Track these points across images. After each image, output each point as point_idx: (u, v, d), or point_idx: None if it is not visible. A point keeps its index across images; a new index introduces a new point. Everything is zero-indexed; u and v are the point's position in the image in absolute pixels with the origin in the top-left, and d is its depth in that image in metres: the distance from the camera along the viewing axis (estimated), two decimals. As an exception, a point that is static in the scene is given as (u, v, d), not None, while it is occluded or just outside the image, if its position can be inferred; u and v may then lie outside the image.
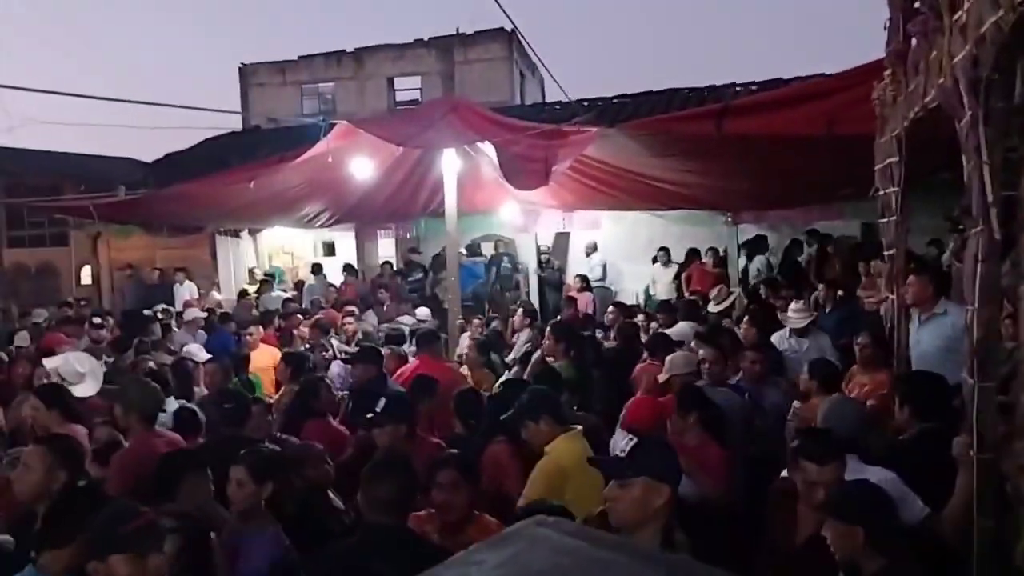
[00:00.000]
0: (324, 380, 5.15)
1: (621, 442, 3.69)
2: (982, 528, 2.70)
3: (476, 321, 8.65)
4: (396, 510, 2.63)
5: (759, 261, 10.76)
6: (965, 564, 2.68)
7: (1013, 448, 2.74)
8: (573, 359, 5.63)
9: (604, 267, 11.86)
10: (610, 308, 8.26)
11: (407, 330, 7.84)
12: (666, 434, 3.76)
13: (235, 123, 22.42)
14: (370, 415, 3.86)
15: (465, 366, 6.28)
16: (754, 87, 10.93)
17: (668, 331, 6.48)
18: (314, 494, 3.44)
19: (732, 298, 8.16)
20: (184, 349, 6.97)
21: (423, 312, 9.26)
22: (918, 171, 4.46)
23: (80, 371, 5.19)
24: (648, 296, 11.27)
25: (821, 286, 7.84)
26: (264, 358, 6.95)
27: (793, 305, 6.03)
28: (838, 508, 2.45)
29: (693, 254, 11.02)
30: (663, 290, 11.04)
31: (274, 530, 3.02)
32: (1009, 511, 2.70)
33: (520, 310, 8.35)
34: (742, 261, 11.00)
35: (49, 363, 5.40)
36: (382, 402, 3.87)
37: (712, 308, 7.97)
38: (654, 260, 11.43)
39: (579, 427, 3.67)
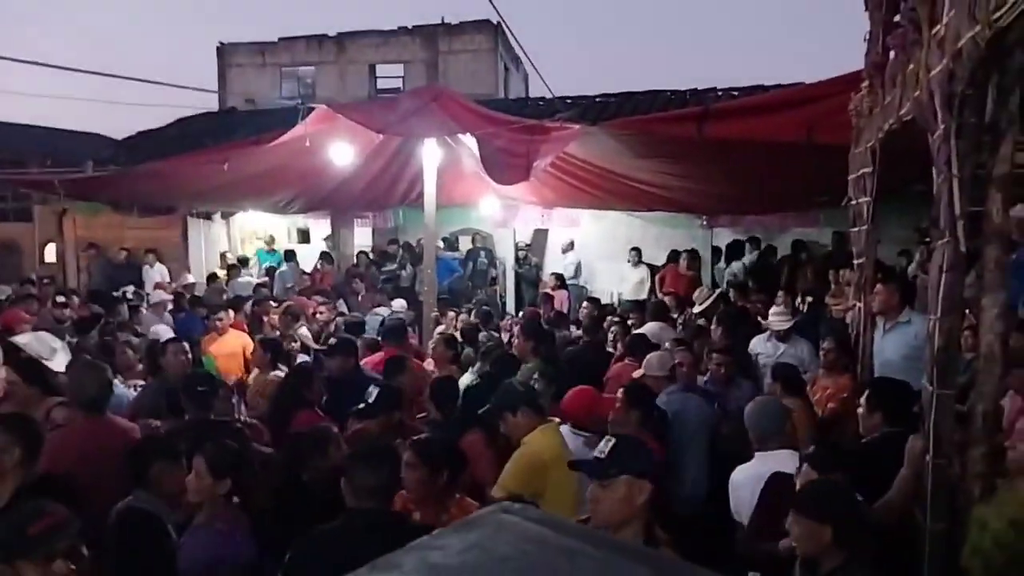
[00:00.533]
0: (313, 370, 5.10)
1: (575, 441, 3.70)
2: (933, 531, 2.76)
3: (451, 314, 8.62)
4: (381, 496, 2.67)
5: (735, 266, 10.87)
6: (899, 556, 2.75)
7: (969, 455, 2.81)
8: (542, 357, 5.65)
9: (578, 265, 11.89)
10: (584, 304, 8.29)
11: (376, 320, 7.81)
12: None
13: (211, 103, 22.06)
14: (362, 405, 3.93)
15: (431, 360, 6.19)
16: (735, 92, 11.01)
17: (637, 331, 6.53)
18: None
19: (713, 297, 8.22)
20: (151, 330, 6.86)
21: (399, 304, 9.20)
22: (890, 183, 4.54)
23: (53, 347, 5.10)
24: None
25: (780, 293, 7.95)
26: (233, 343, 6.87)
27: (774, 309, 6.16)
28: (808, 506, 2.49)
29: (675, 256, 11.05)
30: (631, 290, 11.04)
31: (224, 527, 2.90)
32: (959, 515, 2.77)
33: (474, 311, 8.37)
34: (720, 265, 11.11)
35: (18, 340, 5.28)
36: (375, 392, 3.89)
37: (696, 309, 8.02)
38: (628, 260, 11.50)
39: (556, 420, 3.70)
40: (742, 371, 5.27)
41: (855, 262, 4.80)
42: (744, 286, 9.13)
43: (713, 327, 6.27)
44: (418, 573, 0.67)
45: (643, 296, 10.72)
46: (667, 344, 5.64)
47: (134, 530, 2.52)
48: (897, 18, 3.48)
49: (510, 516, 0.78)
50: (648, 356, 4.95)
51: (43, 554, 2.09)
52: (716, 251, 11.31)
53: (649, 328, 6.56)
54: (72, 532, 2.18)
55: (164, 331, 6.74)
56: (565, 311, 9.48)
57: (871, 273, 4.58)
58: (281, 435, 4.07)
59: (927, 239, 8.08)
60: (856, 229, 4.65)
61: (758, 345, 5.91)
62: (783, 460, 3.24)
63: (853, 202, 4.61)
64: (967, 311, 3.15)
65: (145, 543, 2.49)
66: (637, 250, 11.21)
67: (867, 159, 4.23)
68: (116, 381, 4.88)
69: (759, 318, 6.72)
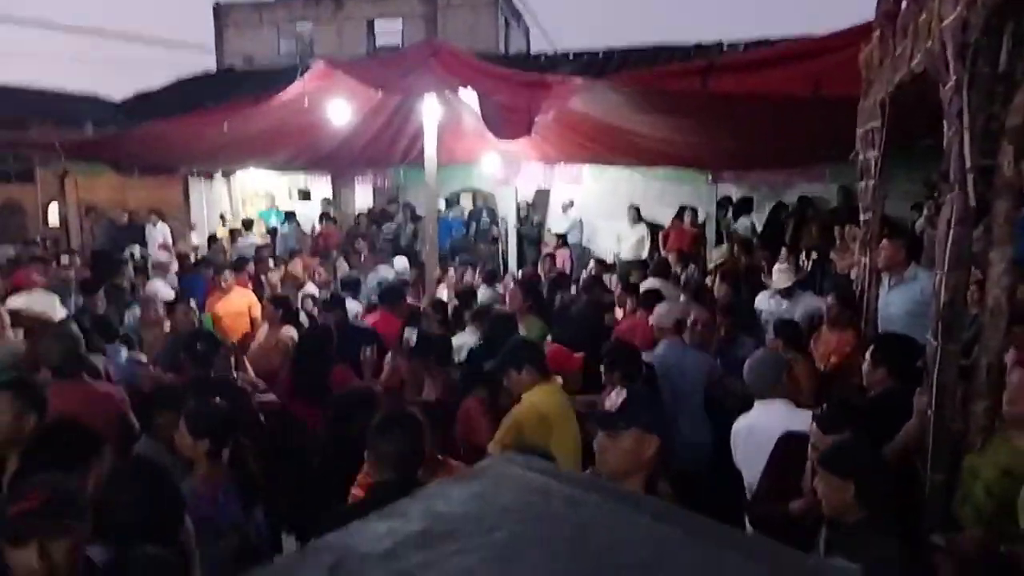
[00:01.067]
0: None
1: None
2: (933, 482, 2.79)
3: (451, 273, 8.60)
4: (404, 466, 2.57)
5: (743, 222, 10.76)
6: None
7: (972, 409, 2.82)
8: (537, 315, 5.68)
9: (580, 224, 11.81)
10: (591, 265, 8.22)
11: (376, 279, 7.81)
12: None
13: (209, 64, 21.76)
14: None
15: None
16: (741, 46, 10.82)
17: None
18: None
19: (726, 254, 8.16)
20: (149, 289, 6.87)
21: (401, 262, 9.17)
22: (899, 137, 4.47)
23: (53, 304, 5.18)
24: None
25: (783, 250, 7.93)
26: (239, 302, 6.89)
27: (777, 266, 6.12)
28: (833, 463, 2.52)
29: (682, 211, 10.92)
30: (629, 249, 10.90)
31: (204, 489, 2.88)
32: (959, 468, 2.80)
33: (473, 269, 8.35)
34: (728, 220, 10.97)
35: (15, 302, 5.30)
36: (414, 336, 4.03)
37: (711, 265, 8.00)
38: (629, 217, 11.28)
39: (559, 379, 3.70)
40: (746, 329, 5.27)
41: (861, 217, 4.76)
42: (749, 243, 9.08)
43: (716, 284, 6.26)
44: (423, 520, 0.67)
45: (643, 255, 10.65)
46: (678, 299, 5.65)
47: (135, 478, 2.50)
48: (909, -35, 3.38)
49: (513, 467, 0.78)
50: (657, 307, 4.95)
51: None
52: (721, 207, 11.18)
53: (648, 283, 6.56)
54: (60, 514, 1.99)
55: (163, 290, 6.75)
56: (568, 271, 9.45)
57: (877, 229, 4.54)
58: (315, 391, 4.11)
59: (936, 194, 8.01)
60: (863, 184, 4.60)
61: (762, 302, 5.90)
62: (781, 410, 3.32)
63: (860, 157, 4.55)
64: (973, 266, 3.13)
65: (148, 490, 2.48)
66: (636, 208, 11.06)
67: (876, 112, 4.16)
68: (121, 348, 4.96)
69: (762, 275, 6.71)
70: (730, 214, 11.03)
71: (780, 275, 5.91)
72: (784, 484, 2.93)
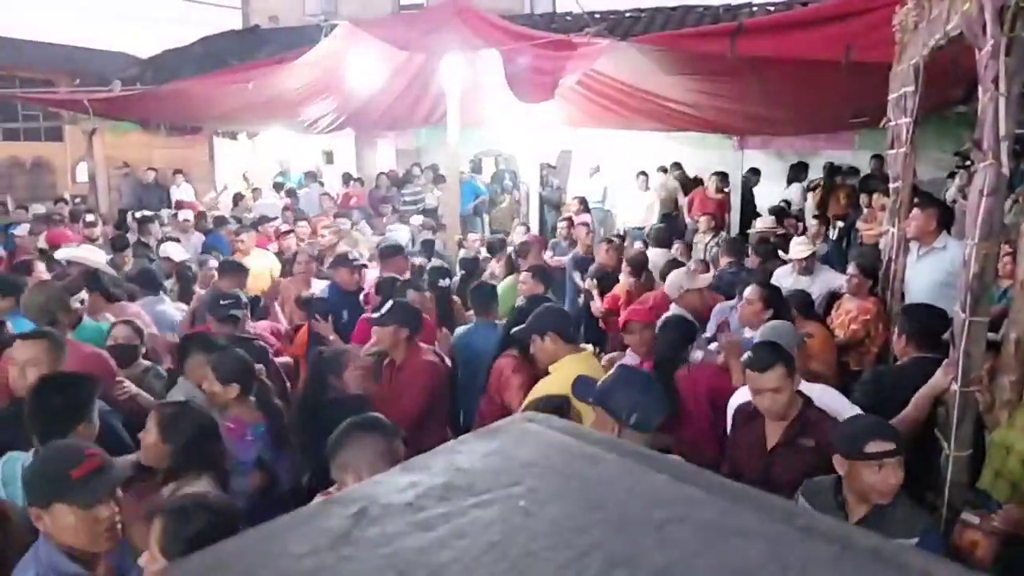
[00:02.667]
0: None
1: None
2: (957, 458, 2.78)
3: (472, 236, 8.60)
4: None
5: (794, 188, 10.57)
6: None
7: (998, 383, 2.80)
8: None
9: (605, 189, 11.71)
10: (603, 247, 7.73)
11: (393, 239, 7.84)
12: None
13: (235, 21, 21.65)
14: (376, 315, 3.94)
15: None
16: (771, 7, 10.55)
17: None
18: None
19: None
20: (162, 249, 6.98)
21: (403, 231, 9.12)
22: (933, 103, 4.37)
23: (99, 259, 5.52)
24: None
25: (809, 220, 7.80)
26: (259, 263, 6.94)
27: (795, 239, 5.91)
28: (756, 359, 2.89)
29: (698, 182, 10.74)
30: (638, 216, 10.63)
31: (234, 426, 3.05)
32: (982, 442, 2.78)
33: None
34: (778, 188, 10.74)
35: (64, 253, 5.76)
36: (388, 304, 3.93)
37: (754, 230, 7.73)
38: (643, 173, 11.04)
39: (588, 347, 3.68)
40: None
41: (891, 186, 4.67)
42: (781, 211, 8.85)
43: (722, 254, 6.08)
44: (445, 474, 0.69)
45: (652, 220, 10.45)
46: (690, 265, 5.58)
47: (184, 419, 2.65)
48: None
49: (534, 424, 0.80)
50: (670, 275, 4.87)
51: (86, 499, 1.98)
52: (755, 171, 10.93)
53: (654, 255, 6.40)
54: (114, 476, 2.10)
55: (175, 250, 6.87)
56: (589, 238, 9.33)
57: (907, 197, 4.46)
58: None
59: (968, 163, 7.84)
60: (894, 151, 4.50)
61: (782, 278, 5.54)
62: None
63: (892, 123, 4.45)
64: (1005, 238, 3.07)
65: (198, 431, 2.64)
66: (644, 174, 10.81)
67: (909, 77, 4.05)
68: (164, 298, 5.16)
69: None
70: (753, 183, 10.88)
71: (797, 247, 5.69)
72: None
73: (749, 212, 10.38)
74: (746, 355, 3.02)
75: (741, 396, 3.22)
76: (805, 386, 3.04)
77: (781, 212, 8.76)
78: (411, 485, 0.69)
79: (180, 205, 10.53)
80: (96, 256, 5.80)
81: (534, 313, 3.60)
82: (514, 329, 3.69)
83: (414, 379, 3.73)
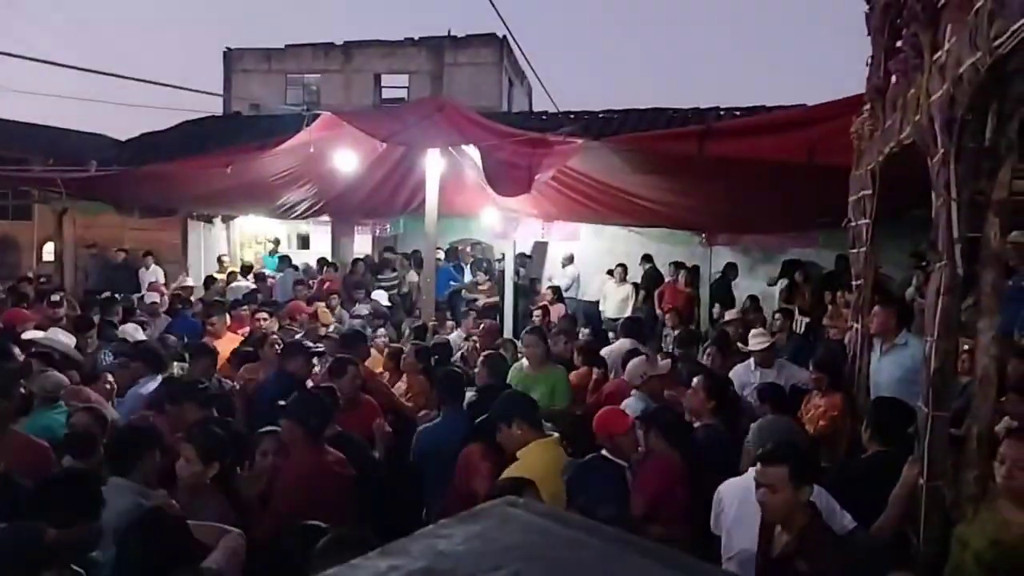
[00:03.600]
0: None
1: None
2: (926, 553, 2.78)
3: (449, 324, 8.63)
4: None
5: (782, 284, 10.78)
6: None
7: (962, 478, 2.83)
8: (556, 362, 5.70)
9: (577, 279, 11.90)
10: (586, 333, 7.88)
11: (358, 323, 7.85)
12: None
13: (216, 108, 22.14)
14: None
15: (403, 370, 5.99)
16: (737, 112, 11.11)
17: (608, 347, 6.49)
18: None
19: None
20: (120, 330, 6.92)
21: (379, 295, 9.24)
22: (890, 206, 4.58)
23: (67, 341, 5.39)
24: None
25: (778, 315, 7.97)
26: (230, 346, 6.86)
27: (753, 331, 5.93)
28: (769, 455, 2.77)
29: (678, 271, 10.96)
30: (614, 307, 10.87)
31: (217, 506, 3.03)
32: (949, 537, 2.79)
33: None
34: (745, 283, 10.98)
35: (33, 335, 5.75)
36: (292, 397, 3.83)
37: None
38: (609, 273, 11.29)
39: (555, 435, 3.67)
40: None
41: (854, 283, 4.83)
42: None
43: (709, 353, 6.16)
44: (426, 559, 0.69)
45: (627, 312, 10.65)
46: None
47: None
48: (899, 43, 3.53)
49: (515, 509, 0.80)
50: (630, 363, 4.91)
51: None
52: (732, 266, 11.15)
53: (620, 345, 6.46)
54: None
55: (132, 332, 6.81)
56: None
57: (870, 295, 4.61)
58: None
59: (924, 263, 8.13)
60: (855, 251, 4.68)
61: (742, 374, 5.51)
62: None
63: (853, 224, 4.65)
64: (963, 335, 3.18)
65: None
66: (623, 266, 11.10)
67: (867, 181, 4.27)
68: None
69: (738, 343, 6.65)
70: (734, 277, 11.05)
71: (755, 339, 5.67)
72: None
73: (728, 305, 10.51)
74: (759, 447, 3.02)
75: (727, 486, 3.23)
76: None
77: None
78: (391, 569, 0.69)
79: (154, 288, 10.42)
80: (63, 339, 5.68)
81: (498, 401, 3.65)
82: (478, 419, 3.68)
83: (289, 482, 3.46)
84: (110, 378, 4.95)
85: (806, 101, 7.77)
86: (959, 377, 3.38)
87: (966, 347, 3.38)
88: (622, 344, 6.44)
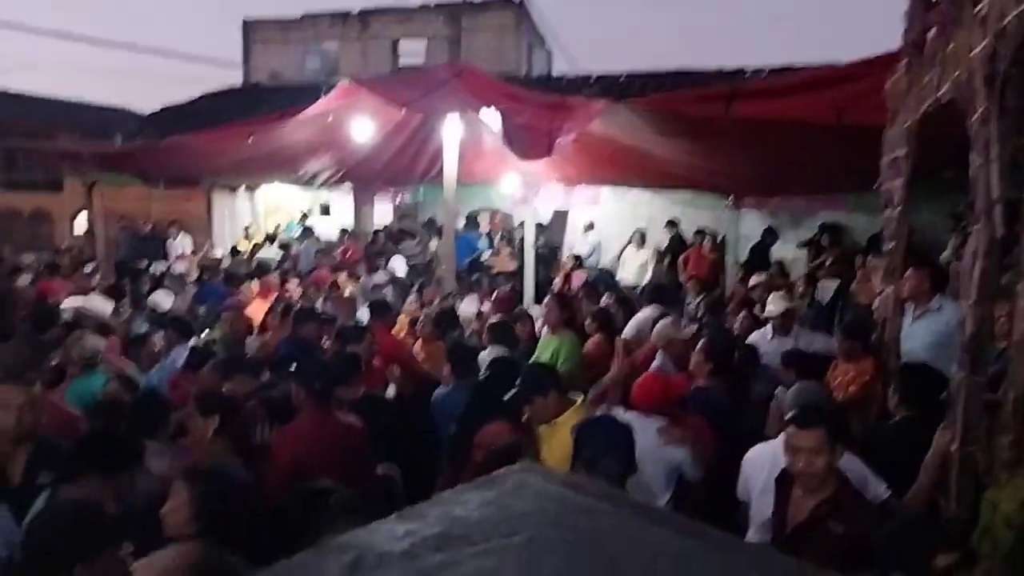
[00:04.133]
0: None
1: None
2: (956, 520, 2.72)
3: (472, 294, 8.60)
4: None
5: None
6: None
7: (996, 443, 2.76)
8: (571, 329, 5.66)
9: (598, 246, 11.80)
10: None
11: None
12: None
13: (236, 79, 22.13)
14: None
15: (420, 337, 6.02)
16: (764, 73, 10.84)
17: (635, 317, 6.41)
18: None
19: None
20: (150, 300, 7.04)
21: (398, 263, 9.22)
22: (926, 166, 4.44)
23: (104, 308, 5.54)
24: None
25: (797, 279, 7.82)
26: (259, 313, 6.93)
27: (772, 295, 5.68)
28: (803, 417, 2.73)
29: (702, 236, 10.72)
30: (632, 273, 10.76)
31: (227, 462, 3.16)
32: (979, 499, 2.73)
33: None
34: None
35: (72, 302, 5.97)
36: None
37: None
38: (629, 241, 11.20)
39: (580, 398, 3.69)
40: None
41: (885, 247, 4.71)
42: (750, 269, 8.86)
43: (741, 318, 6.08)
44: (442, 524, 0.67)
45: (646, 279, 10.54)
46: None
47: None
48: (937, -5, 3.38)
49: (530, 475, 0.77)
50: (658, 324, 4.92)
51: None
52: (771, 231, 10.76)
53: (646, 312, 6.39)
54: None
55: (164, 301, 6.90)
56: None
57: (901, 259, 4.49)
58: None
59: (962, 225, 7.93)
60: (887, 213, 4.56)
61: (758, 340, 5.31)
62: None
63: (885, 185, 4.52)
64: (1001, 298, 3.08)
65: None
66: (642, 231, 10.94)
67: (902, 141, 4.14)
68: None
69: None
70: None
71: (773, 303, 5.40)
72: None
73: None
74: (793, 411, 2.94)
75: (756, 452, 3.19)
76: None
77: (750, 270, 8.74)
78: (407, 534, 0.67)
79: (181, 258, 10.58)
80: (102, 306, 5.83)
81: (528, 374, 3.65)
82: (509, 396, 3.60)
83: (291, 440, 3.55)
84: (158, 341, 5.09)
85: (838, 59, 7.55)
86: (995, 342, 3.29)
87: (1004, 312, 3.28)
88: (649, 312, 6.38)
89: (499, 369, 3.91)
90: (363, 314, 6.49)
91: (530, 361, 4.86)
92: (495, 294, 7.37)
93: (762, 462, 3.11)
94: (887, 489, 2.96)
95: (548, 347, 5.34)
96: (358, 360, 4.47)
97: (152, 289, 7.96)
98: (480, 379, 4.20)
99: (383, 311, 5.98)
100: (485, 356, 4.82)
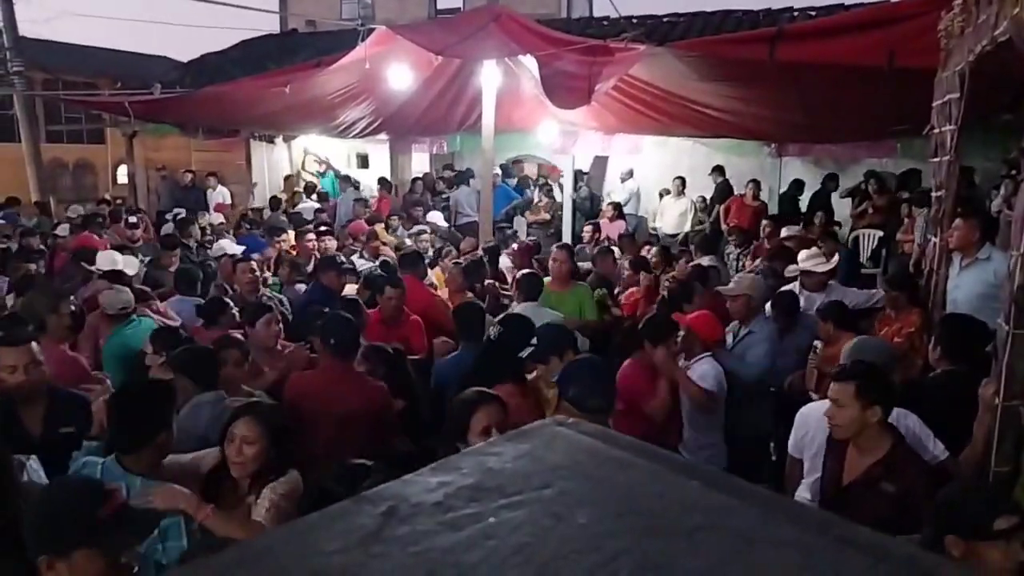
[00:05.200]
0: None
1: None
2: (997, 474, 2.70)
3: (515, 246, 8.57)
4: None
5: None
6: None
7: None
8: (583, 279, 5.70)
9: (637, 194, 11.65)
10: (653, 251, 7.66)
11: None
12: None
13: (272, 25, 22.03)
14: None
15: (446, 288, 5.97)
16: (812, 12, 10.40)
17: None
18: None
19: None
20: (216, 246, 7.16)
21: (435, 217, 9.24)
22: (979, 110, 4.26)
23: (115, 260, 5.78)
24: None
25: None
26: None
27: (804, 252, 5.41)
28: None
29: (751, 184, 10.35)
30: (672, 223, 10.64)
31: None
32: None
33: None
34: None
35: (105, 262, 6.01)
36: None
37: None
38: (666, 191, 11.00)
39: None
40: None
41: (934, 195, 4.57)
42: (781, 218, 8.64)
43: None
44: (475, 475, 0.69)
45: (686, 228, 10.44)
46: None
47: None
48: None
49: (563, 428, 0.79)
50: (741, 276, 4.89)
51: (113, 544, 1.80)
52: (833, 177, 10.27)
53: (703, 263, 6.36)
54: (143, 516, 1.99)
55: (229, 247, 7.01)
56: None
57: (951, 207, 4.35)
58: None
59: (1013, 172, 7.63)
60: (937, 160, 4.40)
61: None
62: None
63: (936, 131, 4.35)
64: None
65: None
66: (681, 179, 10.74)
67: (955, 84, 3.96)
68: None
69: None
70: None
71: (810, 261, 5.18)
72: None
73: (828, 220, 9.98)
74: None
75: (811, 409, 3.15)
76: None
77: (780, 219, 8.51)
78: (441, 485, 0.69)
79: (220, 208, 10.76)
80: (130, 266, 5.95)
81: (545, 334, 3.56)
82: (527, 353, 3.47)
83: (310, 389, 3.53)
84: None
85: (889, -2, 7.21)
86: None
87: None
88: (702, 261, 6.33)
89: (511, 327, 3.62)
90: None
91: (549, 316, 4.59)
92: (514, 247, 7.30)
93: (818, 420, 3.03)
94: (944, 451, 2.90)
95: (569, 300, 5.23)
96: (357, 305, 4.58)
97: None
98: (490, 338, 3.83)
99: (413, 263, 5.85)
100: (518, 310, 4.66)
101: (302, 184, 13.05)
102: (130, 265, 5.95)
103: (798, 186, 10.45)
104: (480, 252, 6.94)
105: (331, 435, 3.29)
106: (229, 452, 2.59)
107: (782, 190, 10.82)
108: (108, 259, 5.98)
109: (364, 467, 2.33)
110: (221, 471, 2.62)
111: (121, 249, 6.74)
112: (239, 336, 4.06)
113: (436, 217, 9.87)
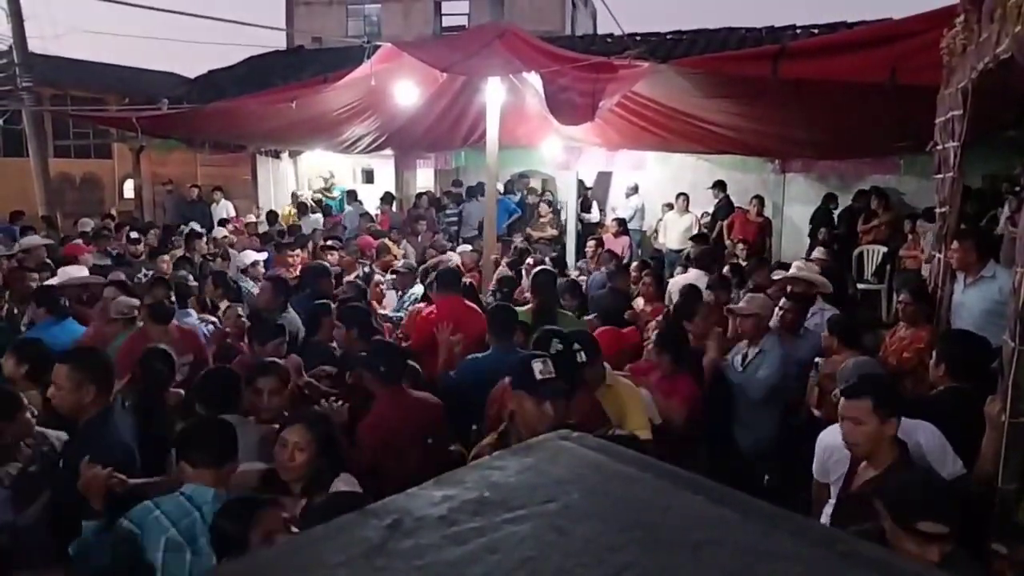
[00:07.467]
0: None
1: None
2: (1005, 492, 2.67)
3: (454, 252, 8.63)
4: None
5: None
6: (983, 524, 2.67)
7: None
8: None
9: (641, 210, 11.66)
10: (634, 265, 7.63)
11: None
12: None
13: (279, 42, 22.23)
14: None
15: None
16: (815, 29, 10.47)
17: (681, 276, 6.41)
18: None
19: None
20: (242, 256, 7.31)
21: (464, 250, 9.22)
22: (981, 128, 4.27)
23: (79, 275, 6.08)
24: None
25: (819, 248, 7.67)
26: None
27: (796, 263, 5.63)
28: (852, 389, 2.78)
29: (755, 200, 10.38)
30: (676, 239, 10.54)
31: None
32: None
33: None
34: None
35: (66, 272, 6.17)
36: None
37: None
38: (668, 206, 10.96)
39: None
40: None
41: (937, 211, 4.57)
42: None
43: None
44: (479, 489, 0.69)
45: (689, 246, 10.42)
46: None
47: None
48: (1000, -54, 3.20)
49: (567, 443, 0.79)
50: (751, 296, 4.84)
51: None
52: (832, 196, 10.47)
53: (690, 276, 6.35)
54: None
55: (250, 256, 7.13)
56: (627, 258, 9.32)
57: (954, 223, 4.35)
58: None
59: (1017, 188, 7.64)
60: (940, 176, 4.41)
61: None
62: None
63: (939, 147, 4.36)
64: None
65: None
66: (685, 195, 10.70)
67: (957, 101, 3.97)
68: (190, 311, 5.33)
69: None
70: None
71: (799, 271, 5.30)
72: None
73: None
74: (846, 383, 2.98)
75: (830, 433, 3.07)
76: (908, 423, 2.86)
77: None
78: (445, 499, 0.70)
79: (224, 223, 10.82)
80: (79, 273, 6.13)
81: (579, 341, 3.60)
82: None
83: (370, 434, 3.41)
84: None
85: (892, 15, 7.24)
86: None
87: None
88: (696, 276, 6.30)
89: (544, 340, 3.60)
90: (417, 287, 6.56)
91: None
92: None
93: (838, 442, 2.96)
94: (963, 467, 2.87)
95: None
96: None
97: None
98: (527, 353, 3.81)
99: (451, 283, 5.13)
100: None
101: (308, 202, 13.10)
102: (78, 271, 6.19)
103: (832, 199, 10.44)
104: (504, 268, 7.17)
105: (421, 458, 3.32)
106: (281, 457, 2.67)
107: (785, 206, 10.85)
108: (69, 271, 6.14)
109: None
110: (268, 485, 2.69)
111: (119, 260, 6.89)
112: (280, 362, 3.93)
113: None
